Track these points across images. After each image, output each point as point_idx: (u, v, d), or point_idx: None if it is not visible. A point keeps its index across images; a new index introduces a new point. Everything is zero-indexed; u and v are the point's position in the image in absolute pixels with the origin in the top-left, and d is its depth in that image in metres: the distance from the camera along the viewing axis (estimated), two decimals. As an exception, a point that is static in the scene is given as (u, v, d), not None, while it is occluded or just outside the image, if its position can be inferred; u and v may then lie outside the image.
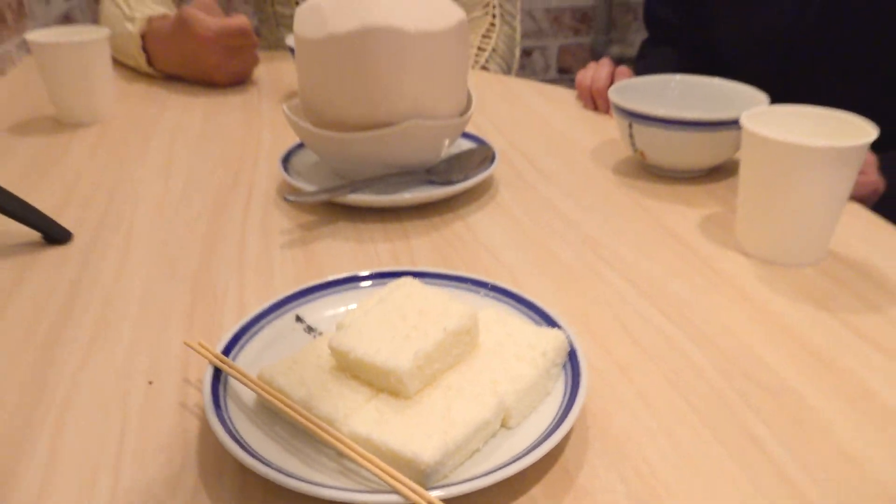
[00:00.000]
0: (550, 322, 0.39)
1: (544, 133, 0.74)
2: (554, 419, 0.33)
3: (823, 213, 0.47)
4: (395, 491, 0.29)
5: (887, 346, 0.41)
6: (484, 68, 1.03)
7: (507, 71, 1.09)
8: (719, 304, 0.45)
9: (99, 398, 0.37)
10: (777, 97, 0.78)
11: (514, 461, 0.30)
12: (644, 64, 0.95)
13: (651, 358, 0.40)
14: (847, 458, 0.33)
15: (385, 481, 0.29)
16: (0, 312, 0.45)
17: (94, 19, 1.56)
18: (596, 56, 1.93)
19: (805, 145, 0.45)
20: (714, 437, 0.34)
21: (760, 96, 0.61)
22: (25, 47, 1.09)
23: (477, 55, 1.04)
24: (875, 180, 0.59)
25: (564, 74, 1.95)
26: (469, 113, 0.59)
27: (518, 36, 1.12)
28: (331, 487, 0.29)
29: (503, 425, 0.34)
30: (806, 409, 0.36)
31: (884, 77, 0.72)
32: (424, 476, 0.29)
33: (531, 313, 0.40)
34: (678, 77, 0.66)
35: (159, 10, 0.94)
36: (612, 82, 0.78)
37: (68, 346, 0.42)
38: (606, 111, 0.78)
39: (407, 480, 0.29)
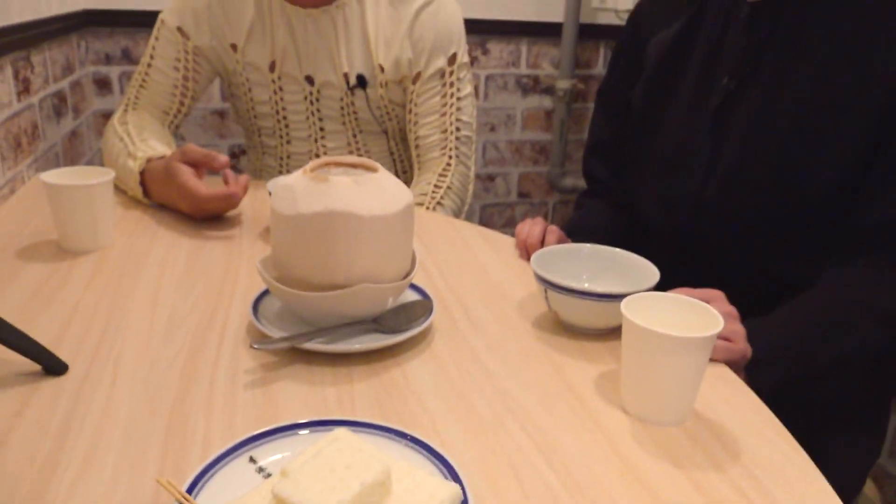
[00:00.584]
0: (452, 474, 0.49)
1: (482, 281, 0.86)
2: (442, 558, 0.43)
3: (681, 385, 0.59)
4: None
5: (719, 501, 0.52)
6: (440, 203, 1.17)
7: (462, 204, 1.23)
8: (596, 459, 0.56)
9: (84, 523, 0.47)
10: (686, 251, 0.92)
11: (404, 593, 0.40)
12: (579, 214, 1.10)
13: (531, 502, 0.50)
14: None
15: None
16: (4, 438, 0.54)
17: (99, 135, 1.71)
18: (552, 183, 2.11)
19: (667, 334, 0.57)
20: (567, 576, 0.44)
21: (653, 271, 0.74)
22: (37, 165, 1.22)
23: (434, 191, 1.18)
24: (743, 348, 0.72)
25: (523, 198, 2.13)
26: (411, 275, 0.72)
27: (472, 175, 1.27)
28: None
29: (402, 561, 0.43)
30: (643, 555, 0.47)
31: (776, 240, 0.85)
32: None
33: (438, 464, 0.51)
34: (588, 246, 0.80)
35: (160, 149, 1.07)
36: (542, 239, 0.91)
37: (60, 474, 0.51)
38: None
39: None
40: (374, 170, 0.71)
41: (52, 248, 0.89)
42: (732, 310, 0.73)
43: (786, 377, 0.75)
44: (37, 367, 0.63)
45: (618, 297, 0.68)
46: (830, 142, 0.79)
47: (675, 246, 0.95)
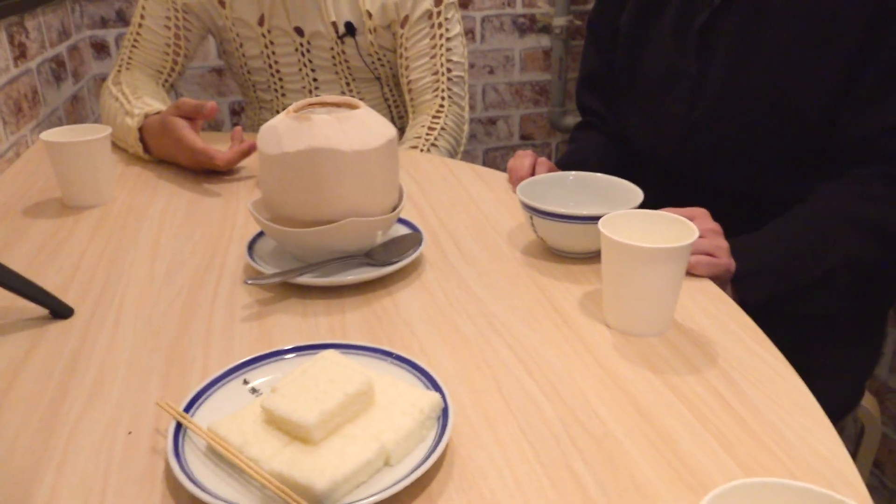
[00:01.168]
0: (434, 384, 0.52)
1: (473, 216, 0.88)
2: (423, 458, 0.46)
3: (659, 295, 0.60)
4: (297, 509, 0.41)
5: (696, 403, 0.54)
6: (434, 144, 1.18)
7: (456, 145, 1.24)
8: (577, 368, 0.58)
9: (91, 444, 0.50)
10: (676, 175, 0.93)
11: (386, 489, 0.43)
12: (574, 147, 1.10)
13: (512, 411, 0.53)
14: (640, 490, 0.46)
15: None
16: (15, 375, 0.58)
17: (98, 98, 1.73)
18: (553, 124, 2.10)
19: (641, 246, 0.58)
20: (543, 471, 0.47)
21: (636, 192, 0.75)
22: (39, 129, 1.24)
23: (428, 133, 1.19)
24: (726, 262, 0.73)
25: (526, 140, 2.12)
26: (399, 209, 0.73)
27: (466, 114, 1.27)
28: (253, 507, 0.41)
29: (386, 464, 0.46)
30: (618, 451, 0.49)
31: (764, 159, 0.86)
32: (319, 500, 0.42)
33: (421, 377, 0.53)
34: (573, 174, 0.80)
35: (155, 105, 1.09)
36: (533, 171, 0.92)
37: (69, 403, 0.54)
38: None
39: None
40: (355, 107, 0.72)
41: (57, 206, 0.92)
42: (716, 226, 0.74)
43: (773, 290, 0.77)
44: (44, 311, 0.66)
45: (599, 219, 0.70)
46: (817, 56, 0.79)
47: (665, 171, 0.95)
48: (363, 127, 0.69)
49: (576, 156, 1.07)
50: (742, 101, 0.84)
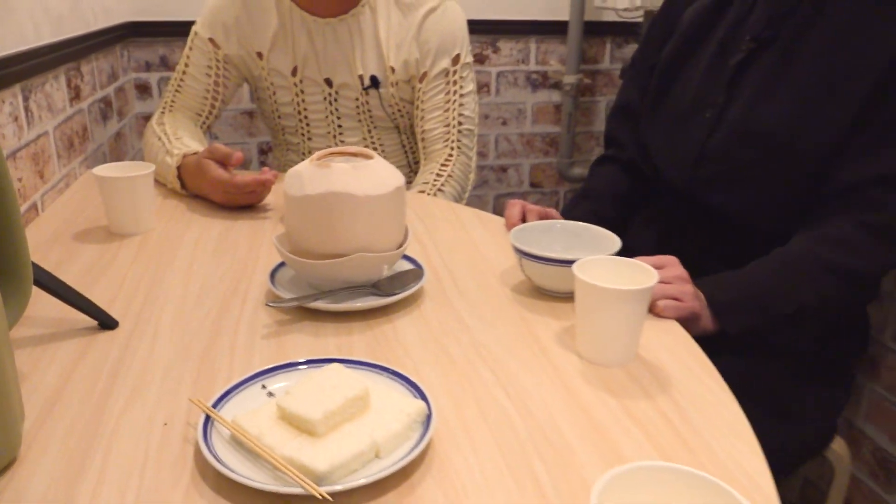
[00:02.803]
0: (421, 395, 0.61)
1: (472, 256, 0.98)
2: (407, 453, 0.55)
3: (623, 331, 0.70)
4: (301, 486, 0.51)
5: (644, 423, 0.63)
6: (440, 190, 1.29)
7: (462, 191, 1.35)
8: (547, 390, 0.67)
9: (134, 432, 0.60)
10: (682, 203, 1.03)
11: (374, 474, 0.52)
12: (590, 181, 1.22)
13: (487, 421, 0.62)
14: (587, 490, 0.55)
15: (297, 481, 0.51)
16: (69, 376, 0.68)
17: (140, 135, 1.87)
18: (561, 173, 2.22)
19: (606, 287, 0.68)
20: (508, 471, 0.56)
21: (615, 241, 0.85)
22: (87, 163, 1.37)
23: (436, 179, 1.30)
24: (691, 305, 0.82)
25: (535, 188, 2.24)
26: (404, 247, 0.84)
27: (473, 164, 1.39)
28: (268, 485, 0.51)
29: (377, 456, 0.56)
30: (572, 457, 0.58)
31: (766, 195, 0.94)
32: (319, 480, 0.51)
33: (411, 388, 0.63)
34: (560, 222, 0.91)
35: (194, 145, 1.21)
36: (524, 217, 1.03)
37: (114, 399, 0.64)
38: None
39: (310, 482, 0.51)
40: (370, 157, 0.83)
41: (103, 233, 1.04)
42: (683, 273, 0.84)
43: (750, 322, 0.86)
44: (93, 322, 0.77)
45: (571, 262, 0.80)
46: (829, 105, 0.89)
47: (672, 200, 1.05)
48: (375, 175, 0.80)
49: (592, 188, 1.18)
50: (756, 135, 0.94)
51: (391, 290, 0.82)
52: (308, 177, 0.79)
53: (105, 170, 1.02)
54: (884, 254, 0.88)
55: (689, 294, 0.82)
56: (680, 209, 1.04)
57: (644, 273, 0.72)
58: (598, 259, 0.74)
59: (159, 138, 1.25)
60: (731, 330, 0.86)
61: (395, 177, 0.82)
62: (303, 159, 1.44)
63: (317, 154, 0.83)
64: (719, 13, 1.03)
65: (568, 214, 1.10)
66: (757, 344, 0.96)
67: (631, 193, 1.16)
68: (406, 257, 0.92)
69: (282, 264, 0.89)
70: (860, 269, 0.88)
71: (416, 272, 0.87)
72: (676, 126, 1.05)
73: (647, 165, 1.12)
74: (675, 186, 1.05)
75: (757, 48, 0.96)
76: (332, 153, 0.84)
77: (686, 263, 0.90)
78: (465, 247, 1.01)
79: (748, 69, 0.97)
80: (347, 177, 0.78)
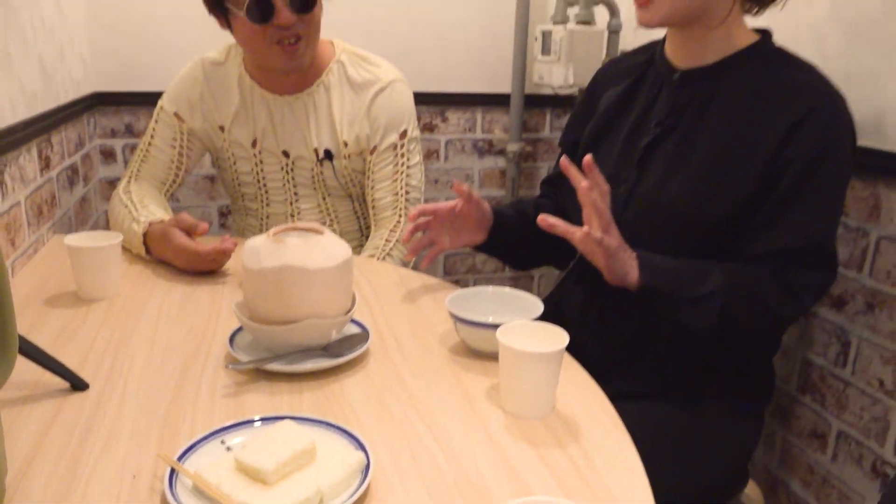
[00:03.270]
0: (361, 447, 0.71)
1: (415, 318, 1.08)
2: (348, 499, 0.64)
3: (539, 388, 0.81)
4: (254, 527, 0.59)
5: (555, 468, 0.73)
6: (389, 254, 1.40)
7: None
8: (473, 440, 0.77)
9: (106, 484, 0.68)
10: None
11: (319, 517, 0.61)
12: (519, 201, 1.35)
13: (419, 469, 0.72)
14: (498, 523, 0.65)
15: (251, 523, 0.60)
16: (45, 433, 0.76)
17: (104, 199, 1.95)
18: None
19: (522, 350, 0.79)
20: (434, 512, 0.66)
21: (538, 306, 0.96)
22: (54, 228, 1.45)
23: (385, 244, 1.41)
24: (611, 241, 0.97)
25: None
26: (350, 313, 0.94)
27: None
28: (224, 526, 0.60)
29: (321, 502, 0.64)
30: (489, 495, 0.68)
31: (673, 254, 1.06)
32: (270, 521, 0.60)
33: (354, 441, 0.72)
34: (492, 288, 1.02)
35: (159, 213, 1.30)
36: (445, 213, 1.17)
37: (87, 455, 0.72)
38: None
39: (262, 523, 0.60)
40: (320, 233, 0.94)
41: (71, 298, 1.11)
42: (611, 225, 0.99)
43: (661, 280, 1.00)
44: (65, 384, 0.85)
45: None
46: (726, 185, 1.02)
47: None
48: (325, 250, 0.91)
49: (521, 203, 1.31)
50: (663, 208, 1.07)
51: (339, 352, 0.92)
52: (265, 251, 0.89)
53: (76, 240, 1.10)
54: (790, 305, 1.01)
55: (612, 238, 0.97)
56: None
57: (558, 336, 0.84)
58: (519, 324, 0.86)
59: (126, 206, 1.34)
60: (645, 278, 0.99)
61: (344, 250, 0.93)
62: (261, 223, 1.55)
63: (273, 230, 0.93)
64: (632, 100, 1.18)
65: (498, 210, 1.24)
66: (669, 392, 1.08)
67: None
68: (354, 321, 1.02)
69: (241, 328, 0.98)
70: (775, 305, 1.00)
71: (363, 335, 0.97)
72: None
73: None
74: None
75: (662, 132, 1.10)
76: (286, 228, 0.95)
77: (611, 320, 1.01)
78: (409, 309, 1.12)
79: (655, 150, 1.11)
80: (300, 251, 0.89)
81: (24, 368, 0.85)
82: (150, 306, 1.09)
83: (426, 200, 2.22)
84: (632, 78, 1.18)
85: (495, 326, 0.89)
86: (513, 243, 1.28)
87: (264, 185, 1.50)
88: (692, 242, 1.06)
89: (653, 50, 1.18)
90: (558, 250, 1.25)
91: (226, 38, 1.38)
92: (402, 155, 1.46)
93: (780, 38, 1.08)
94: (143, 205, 1.33)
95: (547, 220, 0.98)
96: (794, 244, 1.00)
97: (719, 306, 0.99)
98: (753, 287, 1.00)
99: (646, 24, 1.04)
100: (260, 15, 1.26)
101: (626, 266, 1.00)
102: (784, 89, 1.01)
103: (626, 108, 1.18)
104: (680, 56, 1.11)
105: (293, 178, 1.48)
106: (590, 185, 0.97)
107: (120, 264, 1.14)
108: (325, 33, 1.40)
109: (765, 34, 1.08)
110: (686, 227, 1.06)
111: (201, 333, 1.01)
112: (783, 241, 1.00)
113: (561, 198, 1.29)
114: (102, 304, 1.10)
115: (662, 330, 1.08)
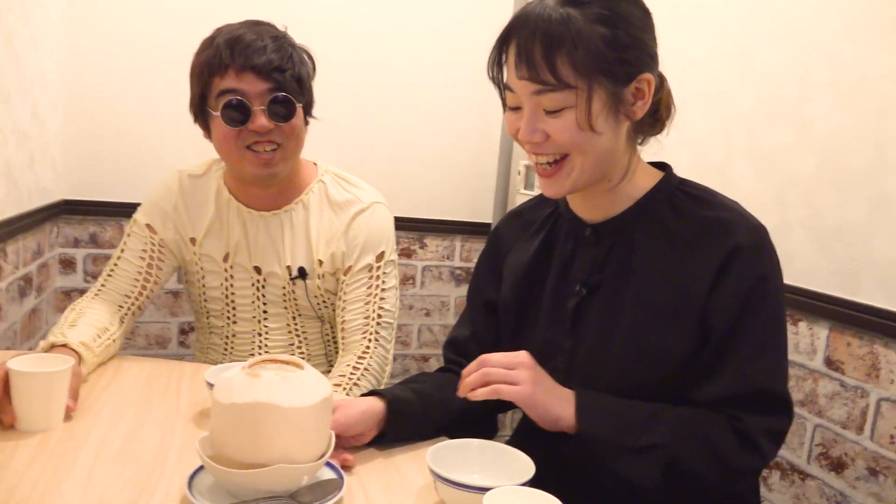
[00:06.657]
0: None
1: (388, 461, 0.97)
2: None
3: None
4: None
5: None
6: (356, 384, 1.29)
7: (378, 384, 1.33)
8: None
9: None
10: None
11: None
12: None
13: None
14: None
15: None
16: None
17: (58, 311, 1.82)
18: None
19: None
20: None
21: (529, 467, 0.86)
22: (-6, 345, 1.32)
23: (352, 373, 1.30)
24: (525, 389, 0.91)
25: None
26: (325, 457, 0.83)
27: (390, 356, 1.40)
28: None
29: None
30: None
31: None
32: None
33: None
34: (477, 442, 0.93)
35: (71, 338, 1.14)
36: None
37: None
38: None
39: None
40: (300, 367, 0.85)
41: None
42: (529, 362, 0.95)
43: (602, 425, 0.93)
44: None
45: (487, 490, 0.80)
46: (663, 340, 0.96)
47: None
48: (303, 386, 0.81)
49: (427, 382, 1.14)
50: (608, 369, 1.00)
51: (310, 500, 0.80)
52: (238, 384, 0.80)
53: (21, 363, 0.98)
54: (748, 455, 0.92)
55: (526, 378, 0.91)
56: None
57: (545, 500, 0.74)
58: (510, 489, 0.76)
59: (65, 318, 1.23)
60: (583, 426, 0.91)
61: (323, 387, 0.83)
62: (225, 342, 1.44)
63: (249, 362, 0.84)
64: (548, 259, 1.11)
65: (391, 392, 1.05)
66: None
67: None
68: (329, 464, 0.90)
69: (202, 467, 0.86)
70: (724, 456, 0.91)
71: (336, 483, 0.85)
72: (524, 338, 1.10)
73: None
74: None
75: (588, 292, 1.04)
76: (264, 360, 0.85)
77: (570, 477, 0.92)
78: (383, 457, 1.00)
79: (585, 313, 1.04)
80: (276, 387, 0.79)
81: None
82: (89, 443, 0.95)
83: (400, 327, 2.15)
84: (540, 235, 1.13)
85: (482, 489, 0.78)
86: (419, 425, 1.07)
87: (232, 302, 1.41)
88: (642, 396, 0.98)
89: (555, 202, 1.13)
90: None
91: (203, 154, 1.34)
92: (378, 277, 1.40)
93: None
94: (73, 324, 1.21)
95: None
96: (739, 390, 0.94)
97: (664, 459, 0.91)
98: (707, 436, 0.93)
99: (552, 195, 1.01)
100: (235, 118, 1.23)
101: (554, 409, 0.93)
102: (701, 233, 0.97)
103: (543, 268, 1.11)
104: (586, 210, 1.06)
105: (263, 296, 1.40)
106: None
107: (66, 393, 1.00)
108: (309, 153, 1.37)
109: (666, 168, 1.05)
110: (633, 386, 0.99)
111: (144, 479, 0.86)
112: (727, 388, 0.94)
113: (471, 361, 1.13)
114: (34, 438, 0.95)
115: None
